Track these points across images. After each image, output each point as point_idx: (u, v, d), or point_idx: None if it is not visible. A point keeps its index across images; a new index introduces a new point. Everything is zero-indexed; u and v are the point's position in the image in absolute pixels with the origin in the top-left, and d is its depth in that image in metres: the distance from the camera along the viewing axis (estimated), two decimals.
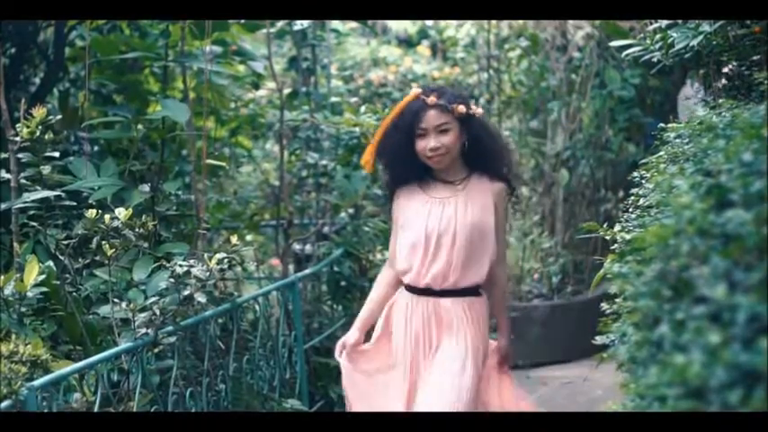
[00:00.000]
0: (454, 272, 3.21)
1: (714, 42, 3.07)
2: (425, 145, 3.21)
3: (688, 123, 2.70)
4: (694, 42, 3.03)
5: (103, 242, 3.29)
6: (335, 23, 6.54)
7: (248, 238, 6.12)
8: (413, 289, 3.29)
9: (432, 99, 3.21)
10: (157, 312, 3.22)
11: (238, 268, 4.10)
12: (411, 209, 3.30)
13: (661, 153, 2.68)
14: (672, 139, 2.69)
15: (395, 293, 3.40)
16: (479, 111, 3.29)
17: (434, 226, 3.21)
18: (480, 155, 3.28)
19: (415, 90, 3.30)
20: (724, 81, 3.26)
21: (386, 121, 3.34)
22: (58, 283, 3.37)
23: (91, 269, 3.67)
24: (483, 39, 7.61)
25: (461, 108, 3.22)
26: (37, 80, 5.33)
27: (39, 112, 3.52)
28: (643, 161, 2.92)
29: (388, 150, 3.32)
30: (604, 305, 2.38)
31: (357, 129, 5.03)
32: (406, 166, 3.31)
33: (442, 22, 8.61)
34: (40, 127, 3.51)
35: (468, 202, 3.25)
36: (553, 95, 7.39)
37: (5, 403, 2.49)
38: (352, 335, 3.41)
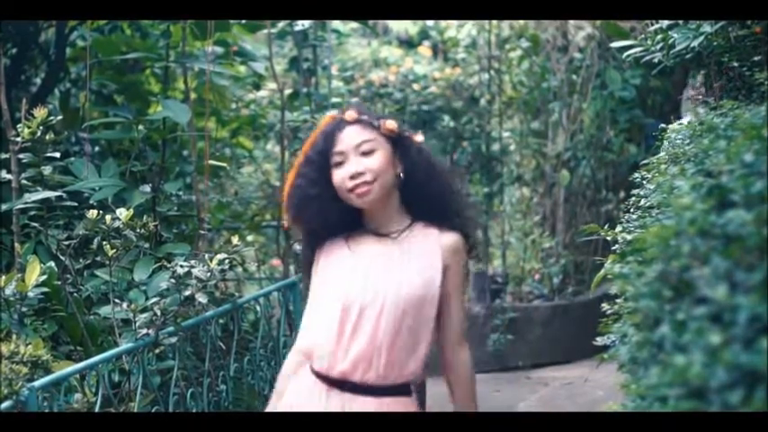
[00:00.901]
0: (380, 358, 2.30)
1: (715, 43, 3.07)
2: (344, 174, 2.31)
3: (689, 124, 2.70)
4: (695, 43, 3.03)
5: (104, 243, 3.29)
6: (336, 24, 6.55)
7: (249, 238, 6.13)
8: (324, 378, 2.33)
9: (350, 113, 2.38)
10: (158, 313, 3.22)
11: (239, 269, 4.10)
12: (330, 267, 2.40)
13: (662, 154, 2.68)
14: (673, 138, 2.69)
15: None
16: (419, 138, 2.47)
17: (357, 292, 2.31)
18: (423, 194, 2.40)
19: (330, 113, 2.52)
20: (725, 81, 3.26)
21: (297, 161, 2.45)
22: (59, 283, 3.37)
23: (92, 270, 3.67)
24: (484, 39, 7.61)
25: (391, 123, 2.39)
26: (38, 80, 5.33)
27: (40, 112, 3.53)
28: (644, 162, 2.92)
29: (300, 196, 2.39)
30: (605, 306, 2.38)
31: None
32: (325, 215, 2.38)
33: (443, 23, 8.61)
34: (41, 127, 3.52)
35: (406, 261, 2.35)
36: (554, 96, 7.39)
37: (6, 404, 2.49)
38: None
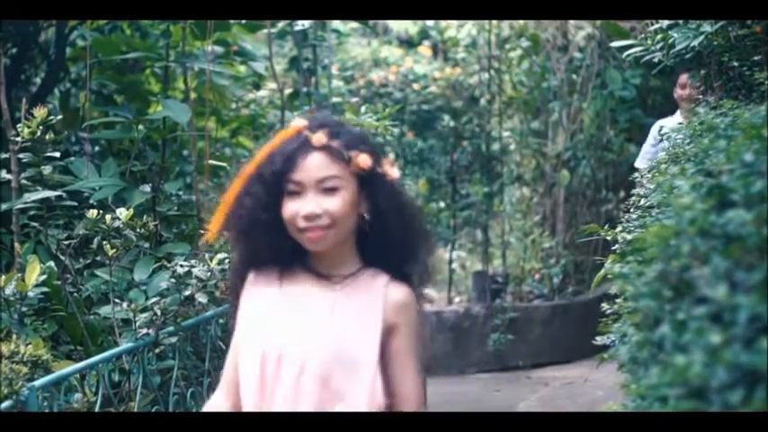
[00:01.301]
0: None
1: (715, 43, 3.08)
2: (297, 209, 1.90)
3: (689, 124, 2.70)
4: (695, 43, 3.03)
5: (104, 242, 3.29)
6: (336, 24, 6.55)
7: None
8: None
9: (319, 137, 1.93)
10: (158, 313, 3.22)
11: None
12: (255, 306, 2.02)
13: (662, 153, 2.68)
14: (673, 139, 2.69)
15: None
16: (395, 172, 2.02)
17: (276, 342, 1.95)
18: (385, 240, 2.00)
19: (297, 121, 2.01)
20: (725, 81, 3.26)
21: (247, 169, 2.02)
22: (59, 283, 3.37)
23: (92, 269, 3.67)
24: (484, 39, 7.61)
25: (364, 159, 1.93)
26: (38, 80, 5.33)
27: (40, 112, 3.53)
28: None
29: (249, 218, 1.98)
30: (605, 305, 2.38)
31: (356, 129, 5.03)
32: (276, 248, 1.99)
33: (443, 23, 8.61)
34: (40, 127, 3.51)
35: (344, 313, 1.96)
36: (554, 96, 7.39)
37: (6, 403, 2.49)
38: None
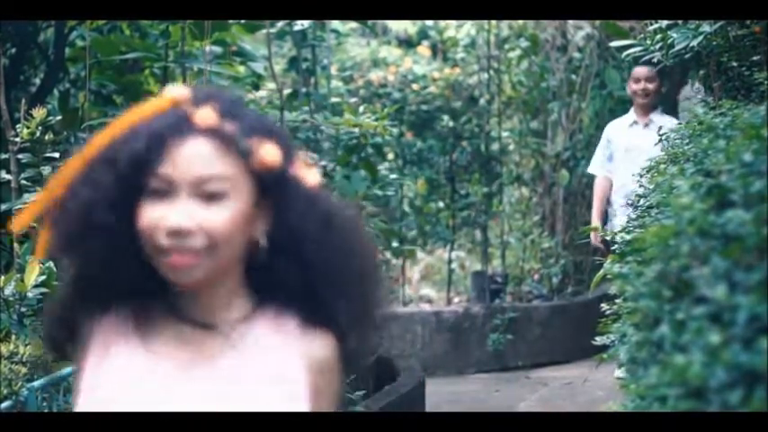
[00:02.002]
0: None
1: (714, 43, 3.08)
2: (159, 218, 1.26)
3: (688, 124, 2.70)
4: (694, 43, 3.03)
5: None
6: (335, 24, 6.55)
7: None
8: None
9: (205, 116, 1.29)
10: None
11: None
12: (106, 370, 1.38)
13: (661, 153, 2.68)
14: (672, 139, 2.69)
15: None
16: (314, 176, 1.37)
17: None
18: (298, 273, 1.34)
19: (177, 90, 1.33)
20: (724, 81, 3.26)
21: (93, 145, 1.31)
22: (59, 283, 3.37)
23: None
24: (483, 39, 7.61)
25: (270, 154, 1.30)
26: (37, 80, 5.33)
27: (39, 112, 3.52)
28: None
29: (74, 212, 1.29)
30: (604, 306, 2.38)
31: (357, 129, 5.04)
32: (106, 263, 1.30)
33: (443, 23, 8.61)
34: (40, 128, 3.51)
35: (241, 375, 1.37)
36: (553, 96, 7.39)
37: (6, 404, 2.49)
38: None
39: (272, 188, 1.31)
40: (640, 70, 5.36)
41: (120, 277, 1.32)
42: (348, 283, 1.37)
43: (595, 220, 5.60)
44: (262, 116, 1.41)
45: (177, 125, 1.28)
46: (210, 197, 1.27)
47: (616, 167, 5.56)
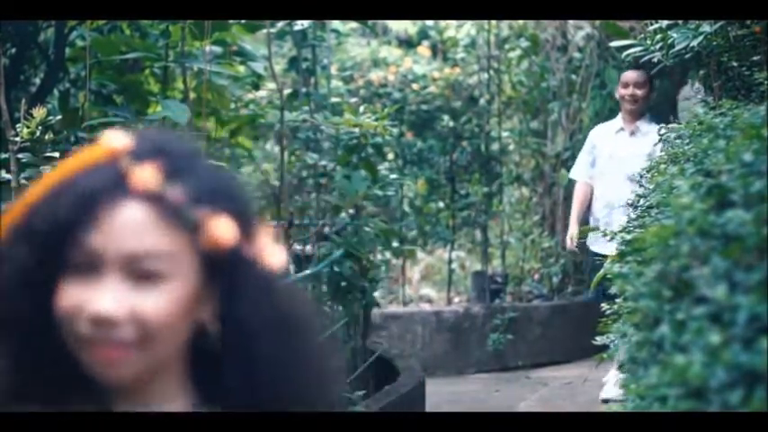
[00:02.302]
0: None
1: (714, 43, 3.07)
2: (83, 301, 1.01)
3: (688, 124, 2.70)
4: (694, 43, 3.03)
5: None
6: (336, 24, 6.55)
7: None
8: None
9: (145, 176, 1.03)
10: None
11: None
12: None
13: (661, 153, 2.68)
14: (672, 139, 2.69)
15: None
16: (276, 255, 1.10)
17: None
18: (241, 373, 1.13)
19: (114, 137, 1.09)
20: (724, 81, 3.26)
21: (15, 208, 1.14)
22: None
23: None
24: (483, 39, 7.62)
25: (222, 228, 1.03)
26: (37, 80, 5.34)
27: (39, 112, 3.52)
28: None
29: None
30: (604, 305, 2.38)
31: (357, 129, 5.04)
32: (23, 355, 1.10)
33: (443, 23, 8.61)
34: (40, 127, 3.51)
35: None
36: (553, 96, 7.39)
37: None
38: None
39: (221, 270, 1.05)
40: (629, 74, 5.13)
41: (39, 373, 1.13)
42: (303, 387, 1.18)
43: (573, 228, 5.27)
44: (219, 177, 1.11)
45: (111, 186, 1.03)
46: (145, 277, 1.02)
47: (598, 174, 5.31)
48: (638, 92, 5.16)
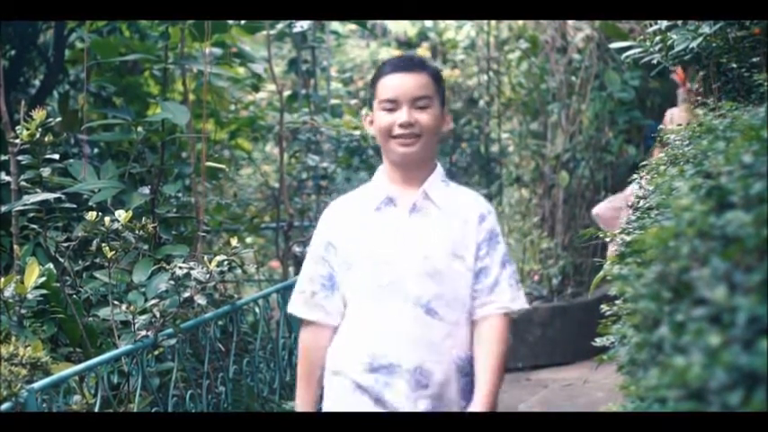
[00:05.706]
0: None
1: (714, 44, 3.07)
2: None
3: (688, 125, 2.70)
4: (694, 44, 3.03)
5: (103, 244, 3.29)
6: (335, 25, 6.55)
7: (248, 240, 6.13)
8: None
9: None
10: (157, 315, 3.22)
11: (238, 270, 4.10)
12: None
13: (661, 155, 2.68)
14: (672, 141, 2.69)
15: None
16: None
17: None
18: None
19: None
20: (723, 82, 3.26)
21: None
22: (58, 285, 3.37)
23: (91, 271, 3.67)
24: (483, 41, 7.62)
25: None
26: (37, 82, 5.34)
27: (38, 114, 3.52)
28: (643, 163, 2.92)
29: None
30: (604, 307, 2.38)
31: (357, 131, 5.04)
32: None
33: (442, 24, 8.61)
34: (39, 129, 3.51)
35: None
36: (553, 97, 7.39)
37: (6, 405, 2.49)
38: None
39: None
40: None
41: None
42: None
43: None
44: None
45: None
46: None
47: None
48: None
